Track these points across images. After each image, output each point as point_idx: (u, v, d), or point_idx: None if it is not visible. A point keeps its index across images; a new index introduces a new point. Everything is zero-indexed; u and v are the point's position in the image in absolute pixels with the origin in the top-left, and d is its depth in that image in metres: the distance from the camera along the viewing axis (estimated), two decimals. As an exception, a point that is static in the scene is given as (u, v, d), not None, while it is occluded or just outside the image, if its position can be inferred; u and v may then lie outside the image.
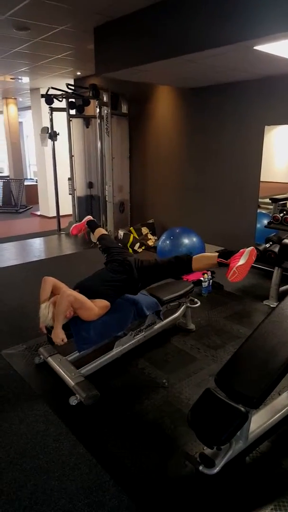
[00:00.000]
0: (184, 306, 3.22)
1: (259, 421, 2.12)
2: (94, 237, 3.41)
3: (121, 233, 5.80)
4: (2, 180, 10.95)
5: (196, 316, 3.59)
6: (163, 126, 6.00)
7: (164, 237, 4.75)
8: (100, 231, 3.37)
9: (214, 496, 1.80)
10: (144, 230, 5.97)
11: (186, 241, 4.58)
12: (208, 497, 1.80)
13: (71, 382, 2.48)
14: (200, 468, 1.80)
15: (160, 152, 6.14)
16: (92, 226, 3.47)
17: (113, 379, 2.67)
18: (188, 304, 3.24)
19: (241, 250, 2.38)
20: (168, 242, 4.64)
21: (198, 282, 4.25)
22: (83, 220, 3.54)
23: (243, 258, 2.31)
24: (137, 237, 5.80)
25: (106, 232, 3.40)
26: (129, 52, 3.97)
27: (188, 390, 2.54)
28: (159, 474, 1.90)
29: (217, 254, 2.50)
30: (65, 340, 2.41)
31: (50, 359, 2.73)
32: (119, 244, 3.40)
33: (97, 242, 3.28)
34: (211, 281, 4.20)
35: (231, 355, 2.11)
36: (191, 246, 4.57)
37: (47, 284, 2.55)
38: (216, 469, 1.78)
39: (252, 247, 2.39)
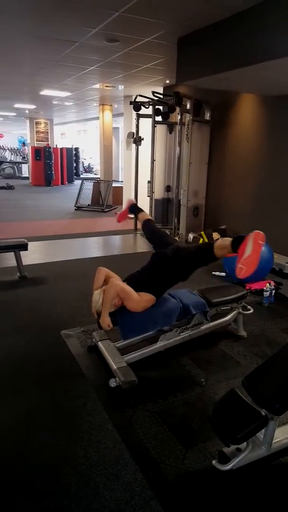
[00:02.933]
0: (235, 311, 3.20)
1: (288, 432, 2.06)
2: (139, 222, 3.39)
3: (191, 236, 5.87)
4: (93, 181, 11.74)
5: (251, 324, 3.52)
6: (244, 134, 5.94)
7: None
8: (144, 216, 3.34)
9: (224, 493, 1.81)
10: (215, 235, 5.96)
11: (253, 249, 4.47)
12: (218, 492, 1.82)
13: (113, 366, 2.64)
14: (213, 462, 1.84)
15: (239, 159, 6.08)
16: (134, 210, 3.46)
17: (154, 370, 2.79)
18: (240, 310, 3.21)
19: (246, 236, 2.22)
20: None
21: (260, 292, 4.16)
22: (125, 206, 3.54)
23: (248, 248, 2.16)
24: (206, 241, 5.82)
25: (149, 217, 3.37)
26: (208, 60, 4.07)
27: (223, 392, 2.51)
28: (176, 462, 1.97)
29: (231, 239, 2.38)
30: (111, 326, 2.60)
31: (100, 343, 2.93)
32: (164, 232, 3.28)
33: (142, 227, 3.30)
34: (273, 291, 4.07)
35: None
36: (258, 254, 4.45)
37: (101, 273, 2.77)
38: (228, 467, 1.79)
39: (256, 230, 2.20)
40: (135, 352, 2.81)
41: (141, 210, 3.43)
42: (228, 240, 2.41)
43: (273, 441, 1.93)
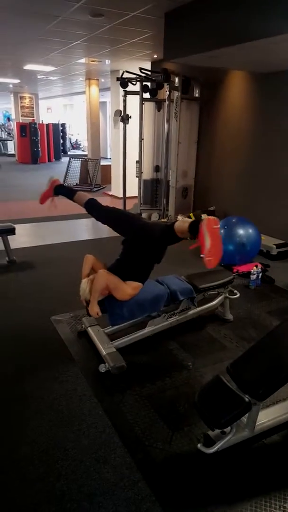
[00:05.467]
0: (222, 296, 3.26)
1: (271, 414, 2.15)
2: (79, 204, 2.86)
3: (179, 218, 5.86)
4: (81, 159, 11.54)
5: (238, 307, 3.60)
6: (234, 112, 5.86)
7: (219, 226, 4.73)
8: (82, 197, 2.84)
9: (210, 474, 1.91)
10: (204, 216, 5.95)
11: (241, 231, 4.53)
12: (204, 474, 1.91)
13: (103, 352, 2.70)
14: (199, 446, 1.92)
15: (229, 139, 6.03)
16: (64, 193, 2.92)
17: (142, 355, 2.86)
18: (227, 295, 3.27)
19: (200, 228, 2.17)
20: (222, 231, 4.62)
21: (247, 274, 4.22)
22: (49, 185, 2.95)
23: (206, 239, 2.13)
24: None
25: (89, 197, 2.85)
26: (197, 37, 3.96)
27: (210, 375, 2.59)
28: (163, 445, 2.06)
29: (189, 222, 2.29)
30: (100, 314, 2.63)
31: (89, 329, 2.98)
32: (117, 209, 2.96)
33: (87, 211, 2.84)
34: (260, 274, 4.13)
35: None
36: (246, 236, 4.51)
37: (88, 261, 2.78)
38: (212, 450, 1.88)
39: (207, 217, 2.19)
40: (124, 337, 2.87)
41: (74, 191, 2.90)
42: (186, 224, 2.32)
43: (256, 424, 2.02)
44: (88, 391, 2.46)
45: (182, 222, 2.40)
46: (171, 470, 1.92)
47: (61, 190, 2.95)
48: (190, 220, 2.35)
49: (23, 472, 1.90)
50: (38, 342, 3.02)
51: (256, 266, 4.24)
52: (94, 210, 2.83)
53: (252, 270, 4.13)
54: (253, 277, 4.09)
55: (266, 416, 2.12)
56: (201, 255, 2.19)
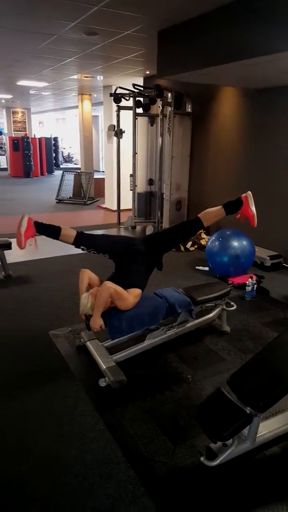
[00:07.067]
0: (219, 308, 3.30)
1: (271, 426, 2.17)
2: (66, 241, 2.81)
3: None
4: (74, 173, 11.61)
5: (234, 319, 3.64)
6: (226, 126, 5.99)
7: (213, 238, 4.81)
8: (69, 233, 2.77)
9: (212, 487, 1.92)
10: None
11: (235, 243, 4.59)
12: (206, 486, 1.92)
13: (102, 366, 2.71)
14: (202, 459, 1.94)
15: (221, 152, 6.15)
16: (46, 231, 2.77)
17: (142, 368, 2.87)
18: (224, 307, 3.32)
19: (243, 196, 2.93)
20: (217, 243, 4.69)
21: (242, 286, 4.27)
22: (24, 222, 2.69)
23: (252, 206, 2.94)
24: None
25: (77, 231, 2.82)
26: (191, 55, 4.07)
27: (210, 388, 2.64)
28: (166, 458, 2.06)
29: (221, 206, 2.94)
30: (103, 326, 2.66)
31: (88, 343, 2.99)
32: (107, 235, 3.14)
33: (78, 246, 2.82)
34: (255, 286, 4.19)
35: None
36: (240, 248, 4.58)
37: (84, 276, 2.81)
38: (215, 463, 1.90)
39: (248, 192, 2.94)
40: (123, 351, 2.88)
41: (58, 228, 2.75)
42: (218, 208, 2.96)
43: (257, 436, 2.04)
44: (89, 406, 2.47)
45: (208, 211, 2.98)
46: (174, 484, 1.93)
47: (42, 227, 2.77)
48: (216, 207, 2.98)
49: (25, 489, 1.89)
50: (37, 357, 3.02)
51: (251, 277, 4.30)
52: (87, 242, 2.88)
53: (247, 282, 4.18)
54: (248, 288, 4.14)
55: (266, 428, 2.14)
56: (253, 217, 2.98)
